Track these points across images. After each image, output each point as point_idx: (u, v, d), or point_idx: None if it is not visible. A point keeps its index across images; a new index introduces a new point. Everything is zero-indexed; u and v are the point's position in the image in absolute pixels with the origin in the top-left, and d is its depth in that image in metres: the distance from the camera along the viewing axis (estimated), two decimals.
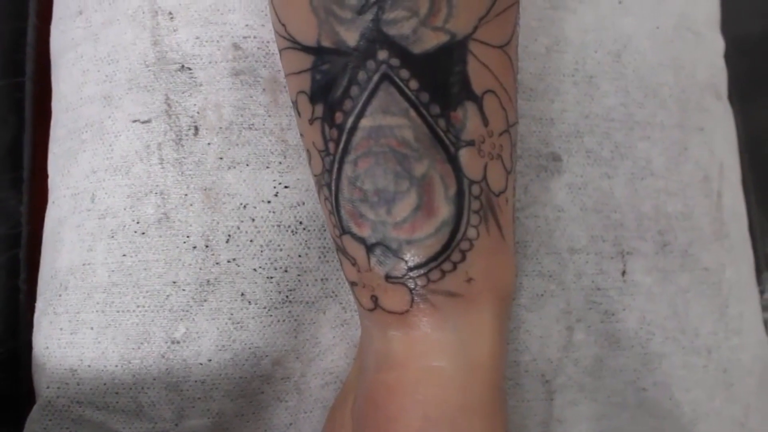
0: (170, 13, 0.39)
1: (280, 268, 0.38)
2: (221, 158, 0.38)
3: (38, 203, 0.45)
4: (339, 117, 0.32)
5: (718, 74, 0.48)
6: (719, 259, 0.45)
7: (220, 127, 0.38)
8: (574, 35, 0.43)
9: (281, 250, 0.38)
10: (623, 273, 0.42)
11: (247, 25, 0.39)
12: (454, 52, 0.31)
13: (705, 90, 0.46)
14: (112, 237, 0.38)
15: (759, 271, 0.54)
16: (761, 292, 0.54)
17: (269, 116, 0.39)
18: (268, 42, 0.39)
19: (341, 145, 0.32)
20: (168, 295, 0.38)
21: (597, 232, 0.42)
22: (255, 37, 0.39)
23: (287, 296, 0.38)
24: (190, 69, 0.39)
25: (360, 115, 0.31)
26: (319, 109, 0.32)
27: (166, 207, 0.38)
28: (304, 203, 0.39)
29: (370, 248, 0.32)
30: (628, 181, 0.42)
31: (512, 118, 0.34)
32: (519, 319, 0.41)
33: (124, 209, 0.38)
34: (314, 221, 0.39)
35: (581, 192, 0.42)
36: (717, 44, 0.49)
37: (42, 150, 0.46)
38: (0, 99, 0.44)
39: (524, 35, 0.41)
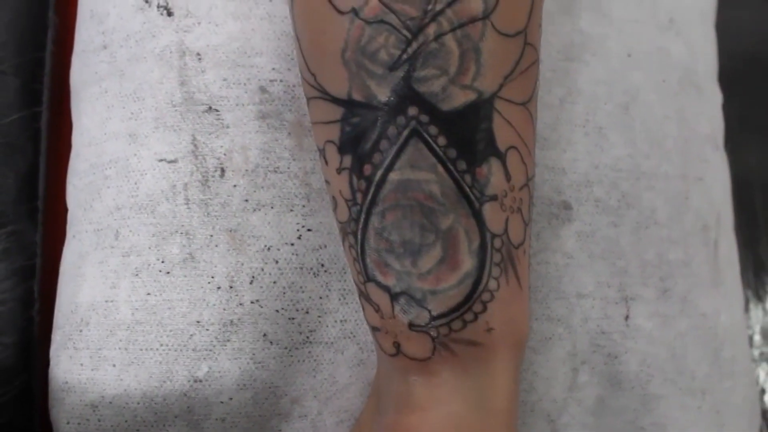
0: (198, 54, 0.40)
1: (302, 309, 0.39)
2: (247, 200, 0.39)
3: (52, 233, 0.45)
4: (368, 169, 0.33)
5: (717, 125, 0.50)
6: (715, 305, 0.47)
7: (246, 170, 0.39)
8: (586, 87, 0.44)
9: (303, 291, 0.39)
10: (626, 318, 0.44)
11: (273, 69, 0.40)
12: (480, 109, 0.32)
13: (705, 141, 0.48)
14: (137, 275, 0.39)
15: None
16: None
17: (294, 160, 0.40)
18: (293, 86, 0.40)
19: (369, 197, 0.33)
20: (192, 335, 0.38)
21: (603, 278, 0.43)
22: (281, 81, 0.40)
23: (308, 337, 0.39)
24: (217, 111, 0.40)
25: (389, 169, 0.32)
26: (348, 160, 0.33)
27: (192, 247, 0.39)
28: (326, 246, 0.40)
29: (394, 297, 0.34)
30: (634, 230, 0.44)
31: (531, 172, 0.35)
32: (527, 361, 0.42)
33: (149, 248, 0.39)
34: (335, 264, 0.40)
35: (589, 240, 0.43)
36: (716, 97, 0.51)
37: (54, 178, 0.46)
38: (19, 130, 0.44)
39: (540, 85, 0.43)
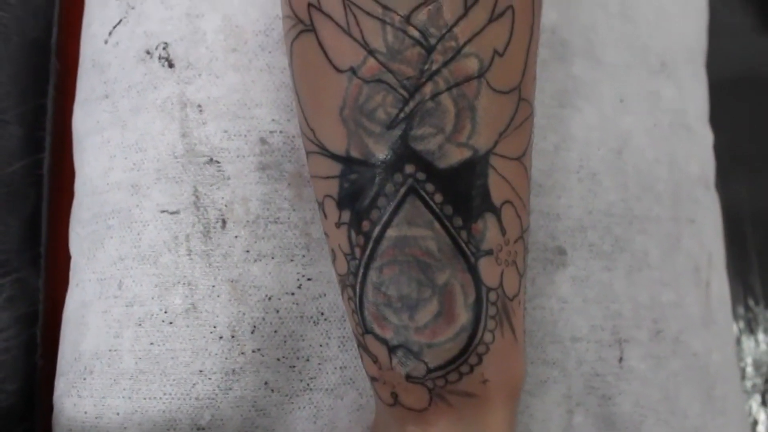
0: (199, 106, 0.41)
1: (302, 357, 0.40)
2: (248, 251, 0.40)
3: (53, 276, 0.46)
4: (366, 225, 0.33)
5: (708, 166, 0.51)
6: (707, 344, 0.48)
7: (247, 221, 0.40)
8: (580, 133, 0.45)
9: (303, 340, 0.40)
10: (620, 359, 0.45)
11: (273, 120, 0.41)
12: (476, 166, 0.33)
13: (696, 183, 0.49)
14: (140, 325, 0.39)
15: None
16: None
17: (294, 210, 0.41)
18: (293, 137, 0.41)
19: (367, 252, 0.34)
20: (194, 384, 0.39)
21: (597, 321, 0.44)
22: (281, 132, 0.41)
23: (308, 384, 0.40)
24: (218, 162, 0.40)
25: (386, 225, 0.33)
26: (346, 215, 0.34)
27: (194, 298, 0.39)
28: (325, 295, 0.40)
29: (392, 349, 0.34)
30: (627, 273, 0.45)
31: (525, 224, 0.36)
32: (523, 404, 0.43)
33: (152, 298, 0.40)
34: (335, 312, 0.41)
35: (584, 284, 0.44)
36: (707, 138, 0.52)
37: (55, 221, 0.47)
38: (23, 177, 0.45)
39: (534, 133, 0.43)
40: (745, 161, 0.64)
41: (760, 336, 0.61)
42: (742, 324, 0.61)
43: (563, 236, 0.44)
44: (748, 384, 0.60)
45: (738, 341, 0.59)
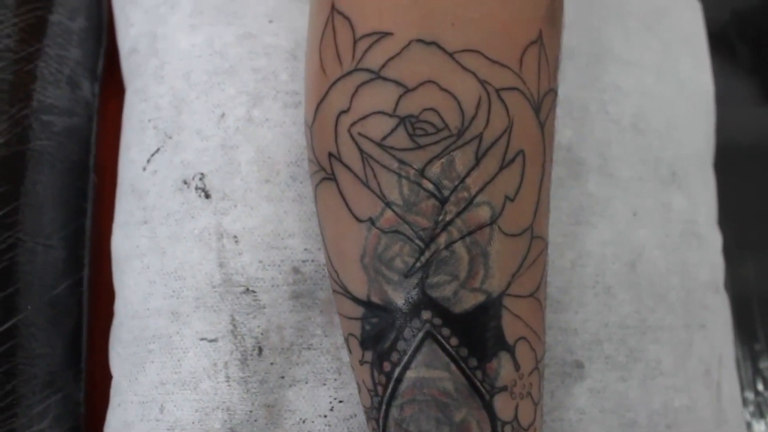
0: (235, 237, 0.43)
1: None
2: (283, 377, 0.42)
3: (92, 392, 0.48)
4: (387, 366, 0.35)
5: (717, 269, 0.53)
6: None
7: (282, 348, 0.42)
8: (595, 249, 0.47)
9: None
10: None
11: (305, 249, 0.43)
12: (489, 309, 0.35)
13: (707, 288, 0.51)
14: None
15: None
16: None
17: (326, 336, 0.43)
18: (324, 265, 0.43)
19: (389, 391, 0.36)
20: None
21: (613, 430, 0.46)
22: (313, 261, 0.43)
23: None
24: (254, 292, 0.43)
25: (406, 367, 0.35)
26: (369, 355, 0.36)
27: (232, 422, 0.42)
28: (356, 415, 0.43)
29: None
30: (641, 382, 0.47)
31: (540, 354, 0.38)
32: None
33: (193, 423, 0.42)
34: (364, 431, 0.43)
35: (600, 395, 0.46)
36: (716, 241, 0.54)
37: (92, 336, 0.49)
38: (67, 297, 0.47)
39: (551, 250, 0.45)
40: (753, 245, 0.65)
41: None
42: (752, 408, 0.62)
43: (580, 350, 0.46)
44: None
45: (748, 425, 0.61)
